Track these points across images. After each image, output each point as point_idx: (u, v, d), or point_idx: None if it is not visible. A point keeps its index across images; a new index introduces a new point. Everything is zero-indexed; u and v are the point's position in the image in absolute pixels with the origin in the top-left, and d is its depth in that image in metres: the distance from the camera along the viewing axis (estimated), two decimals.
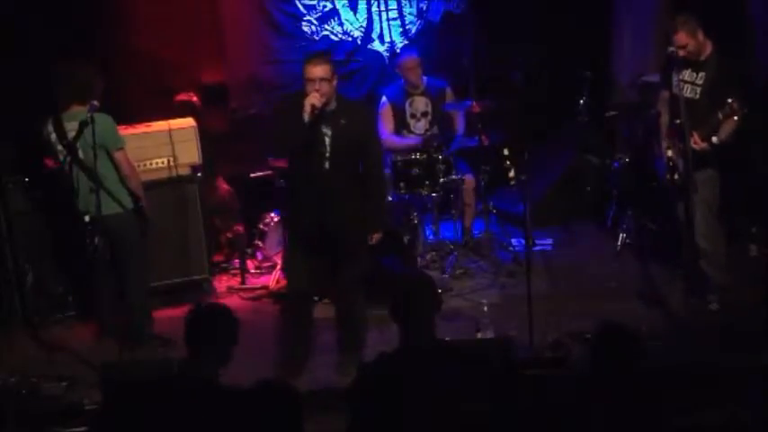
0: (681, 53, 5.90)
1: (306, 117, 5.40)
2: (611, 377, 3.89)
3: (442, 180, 7.09)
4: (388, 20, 8.36)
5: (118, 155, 6.07)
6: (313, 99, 5.42)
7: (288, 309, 6.09)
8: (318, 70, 5.46)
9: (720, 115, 5.74)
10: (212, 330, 4.05)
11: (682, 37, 5.89)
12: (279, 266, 7.35)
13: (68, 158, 5.99)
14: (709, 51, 5.96)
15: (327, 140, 5.55)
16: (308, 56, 5.69)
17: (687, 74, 6.02)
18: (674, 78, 5.81)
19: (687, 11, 5.99)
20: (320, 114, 5.47)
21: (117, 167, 6.08)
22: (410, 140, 7.56)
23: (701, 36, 5.91)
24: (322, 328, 6.46)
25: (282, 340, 6.12)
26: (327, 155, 5.54)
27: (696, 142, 5.81)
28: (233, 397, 3.86)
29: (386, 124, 7.66)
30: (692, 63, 5.99)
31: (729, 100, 5.66)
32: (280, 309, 6.80)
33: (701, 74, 5.98)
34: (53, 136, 6.08)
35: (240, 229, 7.74)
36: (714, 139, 5.82)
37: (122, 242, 6.19)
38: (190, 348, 4.05)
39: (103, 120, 5.94)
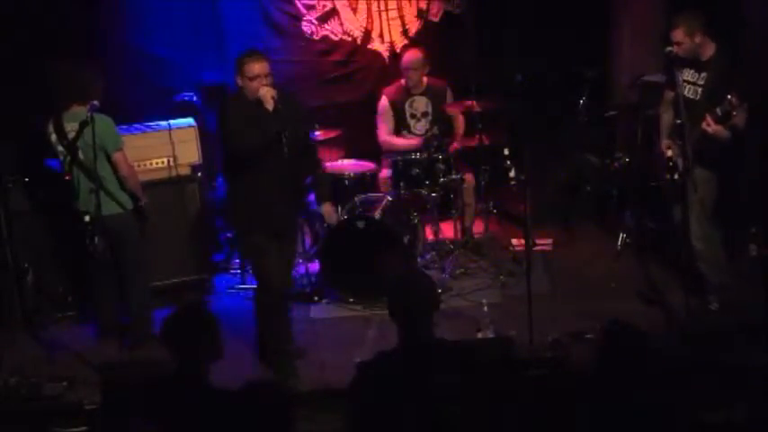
0: (675, 50, 5.89)
1: (270, 108, 5.53)
2: (614, 376, 3.89)
3: (441, 180, 7.09)
4: (388, 20, 8.36)
5: (116, 156, 6.07)
6: (269, 91, 5.57)
7: (274, 310, 5.90)
8: (264, 66, 5.63)
9: (719, 111, 5.73)
10: (189, 331, 4.03)
11: (678, 34, 5.88)
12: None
13: (68, 159, 6.00)
14: (712, 52, 5.95)
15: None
16: (246, 54, 5.70)
17: (690, 74, 6.01)
18: (677, 77, 5.80)
19: (693, 10, 5.97)
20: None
21: (115, 168, 6.08)
22: (410, 141, 7.57)
23: (698, 37, 5.89)
24: (320, 328, 6.48)
25: (274, 345, 5.96)
26: (285, 141, 5.60)
27: (709, 124, 5.76)
28: (222, 397, 3.85)
29: (385, 124, 7.67)
30: (695, 63, 5.98)
31: (729, 96, 5.65)
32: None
33: (703, 74, 5.97)
34: (53, 136, 6.08)
35: None
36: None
37: (123, 243, 6.19)
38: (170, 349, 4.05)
39: (103, 121, 5.94)
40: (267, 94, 5.57)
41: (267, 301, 5.89)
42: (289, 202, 5.84)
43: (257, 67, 5.61)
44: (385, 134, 7.67)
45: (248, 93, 5.64)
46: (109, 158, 6.05)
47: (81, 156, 5.97)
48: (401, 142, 7.60)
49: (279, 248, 5.87)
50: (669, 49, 5.86)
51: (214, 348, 4.05)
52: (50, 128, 6.09)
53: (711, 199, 6.08)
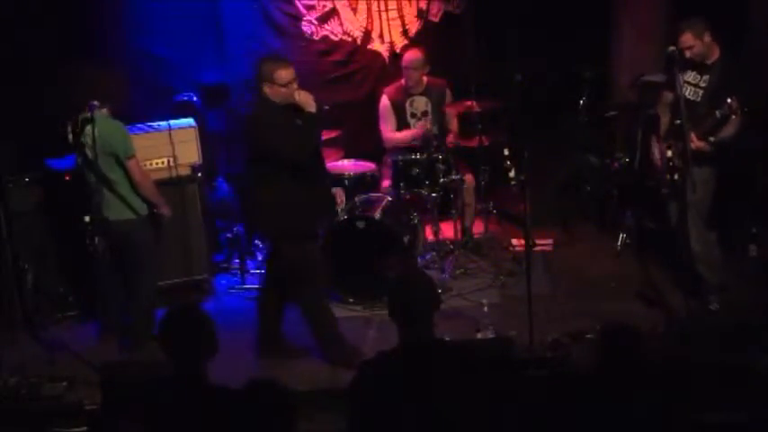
0: (687, 54, 5.88)
1: (314, 109, 5.67)
2: (613, 377, 3.89)
3: (441, 180, 7.09)
4: (388, 20, 8.36)
5: (129, 163, 6.01)
6: (307, 94, 5.69)
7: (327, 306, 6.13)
8: (292, 71, 5.74)
9: (718, 114, 5.74)
10: (182, 333, 4.03)
11: (688, 38, 5.88)
12: None
13: (80, 159, 5.99)
14: (717, 56, 5.95)
15: None
16: (272, 61, 5.82)
17: (692, 76, 6.01)
18: (677, 78, 5.80)
19: (695, 13, 5.96)
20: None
21: (128, 175, 6.05)
22: (411, 131, 7.55)
23: (707, 38, 5.89)
24: None
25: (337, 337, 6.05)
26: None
27: (693, 140, 5.81)
28: (222, 397, 3.85)
29: (387, 123, 7.67)
30: (698, 65, 5.98)
31: (729, 99, 5.66)
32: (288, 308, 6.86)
33: (705, 77, 5.97)
34: (70, 137, 6.08)
35: (240, 228, 7.73)
36: (711, 138, 5.82)
37: (132, 247, 6.12)
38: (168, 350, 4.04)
39: (110, 125, 5.92)
40: (307, 97, 5.68)
41: (323, 301, 6.06)
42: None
43: (287, 74, 5.69)
44: (389, 132, 7.68)
45: (277, 99, 5.68)
46: (120, 164, 6.03)
47: (89, 155, 5.97)
48: (402, 135, 7.60)
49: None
50: (672, 48, 5.85)
51: (209, 346, 4.04)
52: (69, 128, 6.08)
53: (708, 201, 6.09)
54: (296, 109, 5.71)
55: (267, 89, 5.70)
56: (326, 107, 5.98)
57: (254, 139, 5.78)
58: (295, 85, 5.70)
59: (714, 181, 6.06)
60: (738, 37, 7.03)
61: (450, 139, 7.58)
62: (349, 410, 3.95)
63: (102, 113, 5.94)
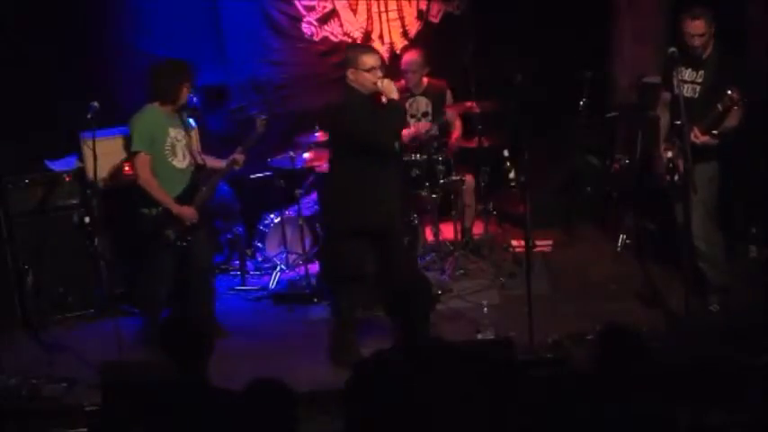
0: (695, 41, 5.88)
1: (396, 97, 5.68)
2: (613, 377, 3.89)
3: (441, 181, 7.09)
4: (387, 21, 8.36)
5: (132, 159, 6.08)
6: (390, 82, 5.70)
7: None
8: (378, 57, 5.80)
9: (720, 107, 5.73)
10: (182, 336, 4.03)
11: (700, 25, 5.86)
12: (279, 267, 7.40)
13: None
14: (711, 50, 5.97)
15: None
16: (359, 46, 6.10)
17: (687, 73, 6.02)
18: (675, 79, 5.80)
19: (704, 4, 5.97)
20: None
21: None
22: (411, 131, 7.52)
23: (713, 29, 5.91)
24: (320, 328, 6.47)
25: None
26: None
27: (697, 136, 5.79)
28: (224, 398, 3.85)
29: None
30: (693, 62, 5.98)
31: (729, 91, 5.66)
32: (288, 309, 6.93)
33: (701, 72, 5.98)
34: None
35: (240, 229, 7.73)
36: (714, 131, 5.82)
37: (142, 240, 6.14)
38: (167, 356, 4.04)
39: (134, 118, 6.08)
40: (390, 85, 5.67)
41: (348, 305, 6.04)
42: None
43: (372, 59, 5.71)
44: None
45: (361, 85, 5.69)
46: None
47: None
48: (407, 131, 7.59)
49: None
50: (672, 49, 5.84)
51: (208, 346, 4.05)
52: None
53: (714, 199, 6.08)
54: (379, 98, 5.69)
55: (351, 75, 5.71)
56: (407, 95, 5.92)
57: (340, 126, 5.77)
58: (379, 73, 5.70)
59: (718, 178, 6.06)
60: (738, 31, 7.03)
61: (455, 139, 7.57)
62: (346, 409, 3.95)
63: (150, 107, 6.11)
